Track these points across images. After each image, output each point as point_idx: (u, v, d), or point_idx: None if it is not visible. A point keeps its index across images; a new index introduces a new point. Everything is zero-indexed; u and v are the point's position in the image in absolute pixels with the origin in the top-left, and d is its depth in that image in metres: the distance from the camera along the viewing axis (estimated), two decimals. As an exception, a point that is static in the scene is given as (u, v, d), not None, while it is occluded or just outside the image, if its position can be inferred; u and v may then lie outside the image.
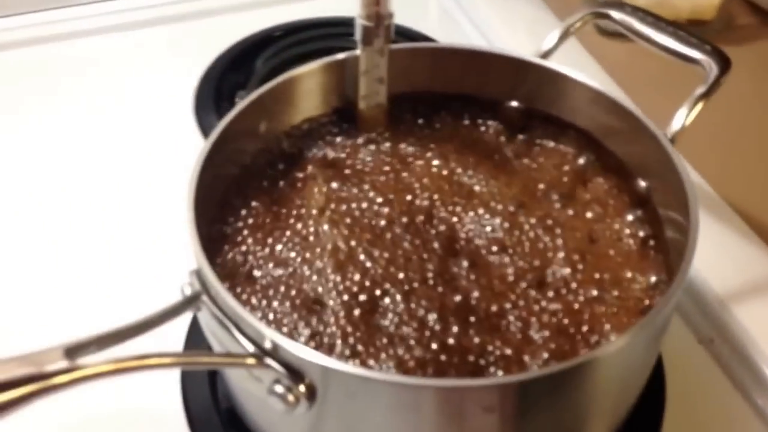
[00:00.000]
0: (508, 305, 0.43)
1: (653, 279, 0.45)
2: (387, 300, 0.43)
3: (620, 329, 0.42)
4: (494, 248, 0.46)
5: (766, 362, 0.50)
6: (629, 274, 0.45)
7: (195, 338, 0.51)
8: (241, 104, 0.47)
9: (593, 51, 0.71)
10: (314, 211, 0.48)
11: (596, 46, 0.70)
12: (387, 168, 0.50)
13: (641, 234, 0.47)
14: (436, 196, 0.49)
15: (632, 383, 0.43)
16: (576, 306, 0.43)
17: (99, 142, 0.68)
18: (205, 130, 0.68)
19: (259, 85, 0.71)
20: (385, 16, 0.47)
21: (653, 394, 0.48)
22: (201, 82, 0.72)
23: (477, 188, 0.49)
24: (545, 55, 0.51)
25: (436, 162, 0.51)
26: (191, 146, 0.66)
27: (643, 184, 0.48)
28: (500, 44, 0.74)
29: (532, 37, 0.74)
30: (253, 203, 0.48)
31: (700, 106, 0.46)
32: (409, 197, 0.49)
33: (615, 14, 0.49)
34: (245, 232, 0.47)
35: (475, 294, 0.43)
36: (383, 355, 0.41)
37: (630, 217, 0.48)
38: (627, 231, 0.47)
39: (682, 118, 0.46)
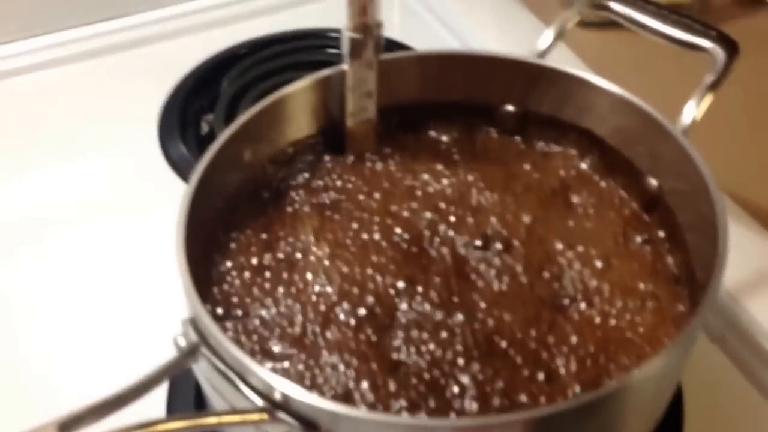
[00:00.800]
0: (532, 332, 0.40)
1: (675, 282, 0.42)
2: (399, 335, 0.40)
3: (651, 343, 0.39)
4: (504, 267, 0.43)
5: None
6: (649, 283, 0.42)
7: (177, 399, 0.47)
8: (224, 134, 0.43)
9: (570, 43, 0.68)
10: (309, 241, 0.44)
11: (573, 38, 0.67)
12: (381, 188, 0.47)
13: (657, 236, 0.44)
14: (437, 216, 0.45)
15: (662, 400, 0.40)
16: (600, 325, 0.40)
17: (60, 180, 0.63)
18: (172, 160, 0.64)
19: (226, 107, 0.69)
20: (373, 27, 0.43)
21: (671, 401, 0.46)
22: (164, 110, 0.68)
23: (480, 201, 0.46)
24: (542, 54, 0.48)
25: (433, 177, 0.47)
26: (159, 179, 0.64)
27: (654, 183, 0.45)
28: (477, 44, 0.71)
29: (509, 33, 0.72)
30: (241, 238, 0.45)
31: (710, 96, 0.44)
32: (409, 217, 0.45)
33: (614, 5, 0.46)
34: (235, 271, 0.43)
35: (492, 322, 0.40)
36: (401, 397, 0.37)
37: (643, 219, 0.45)
38: (642, 234, 0.44)
39: (692, 110, 0.44)
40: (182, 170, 0.63)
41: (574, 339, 0.39)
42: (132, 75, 0.72)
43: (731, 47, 0.44)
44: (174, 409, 0.47)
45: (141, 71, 0.73)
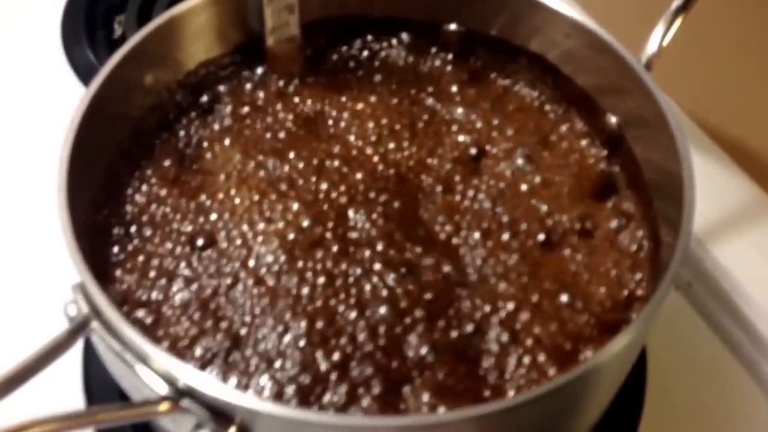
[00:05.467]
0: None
1: (638, 235, 0.38)
2: (337, 319, 0.34)
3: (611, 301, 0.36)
4: (450, 221, 0.38)
5: (746, 304, 0.45)
6: (612, 240, 0.38)
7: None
8: (114, 57, 0.37)
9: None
10: (230, 186, 0.39)
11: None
12: (311, 120, 0.41)
13: (616, 181, 0.40)
14: (377, 157, 0.40)
15: (629, 364, 0.37)
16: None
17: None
18: (78, 68, 0.57)
19: (139, 7, 0.61)
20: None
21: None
22: (67, 8, 0.61)
23: (421, 137, 0.41)
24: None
25: (372, 106, 0.42)
26: (63, 90, 0.56)
27: (613, 120, 0.40)
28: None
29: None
30: (149, 180, 0.39)
31: (678, 22, 0.39)
32: (348, 154, 0.40)
33: None
34: (142, 219, 0.38)
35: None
36: (328, 392, 0.33)
37: (601, 163, 0.40)
38: (597, 178, 0.40)
39: (658, 37, 0.39)
40: (89, 80, 0.56)
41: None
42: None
43: (704, -35, 0.39)
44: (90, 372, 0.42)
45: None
